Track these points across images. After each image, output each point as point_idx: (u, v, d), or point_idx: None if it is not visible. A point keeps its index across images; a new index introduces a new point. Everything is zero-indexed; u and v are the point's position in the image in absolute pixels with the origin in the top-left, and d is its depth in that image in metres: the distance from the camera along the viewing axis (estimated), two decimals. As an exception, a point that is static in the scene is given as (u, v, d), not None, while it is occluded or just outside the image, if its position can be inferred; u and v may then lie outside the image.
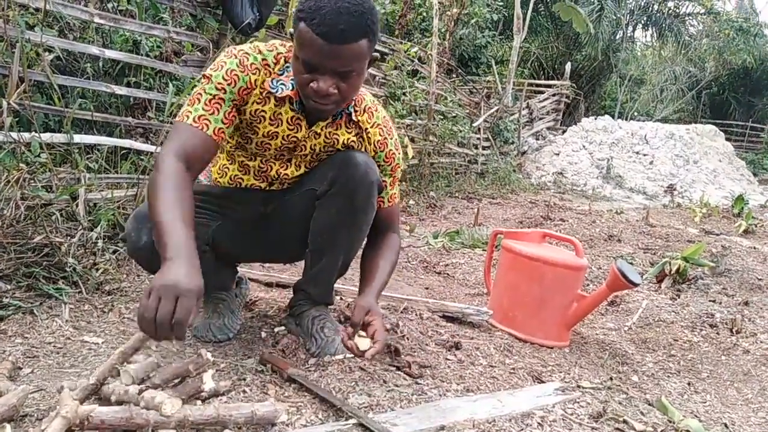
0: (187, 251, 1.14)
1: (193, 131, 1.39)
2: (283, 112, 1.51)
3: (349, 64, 1.33)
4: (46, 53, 2.45)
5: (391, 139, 1.65)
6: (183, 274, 1.09)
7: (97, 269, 2.11)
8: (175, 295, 1.06)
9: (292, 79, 1.46)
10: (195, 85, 3.10)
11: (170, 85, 3.08)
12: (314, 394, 1.39)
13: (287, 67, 1.48)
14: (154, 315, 1.04)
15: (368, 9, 1.31)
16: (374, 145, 1.62)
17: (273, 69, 1.48)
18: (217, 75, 1.43)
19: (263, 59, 1.47)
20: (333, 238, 1.61)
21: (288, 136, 1.54)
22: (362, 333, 1.48)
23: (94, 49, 2.72)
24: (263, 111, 1.50)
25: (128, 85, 3.14)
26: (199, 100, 1.41)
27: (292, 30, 1.38)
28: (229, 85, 1.43)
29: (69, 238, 2.11)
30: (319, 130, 1.56)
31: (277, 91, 1.47)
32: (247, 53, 1.46)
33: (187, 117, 1.40)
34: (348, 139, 1.59)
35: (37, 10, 2.45)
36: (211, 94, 1.42)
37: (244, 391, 1.38)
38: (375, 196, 1.57)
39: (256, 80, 1.46)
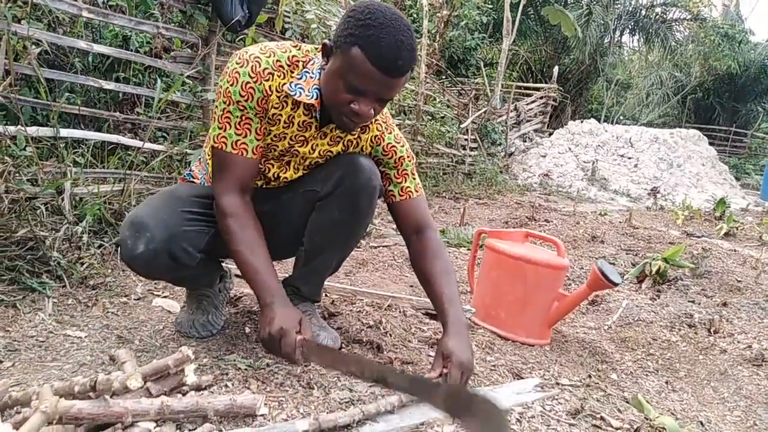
0: (278, 293, 1.43)
1: (236, 160, 1.46)
2: (296, 116, 1.51)
3: (396, 92, 1.40)
4: (33, 47, 2.43)
5: (390, 134, 1.65)
6: (278, 322, 1.36)
7: (82, 263, 2.11)
8: (280, 339, 1.35)
9: (315, 87, 1.46)
10: (184, 82, 3.15)
11: (159, 81, 3.08)
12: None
13: (306, 71, 1.47)
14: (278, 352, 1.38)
15: (415, 40, 1.37)
16: (371, 140, 1.62)
17: (289, 72, 1.46)
18: (234, 92, 1.42)
19: (276, 61, 1.45)
20: (331, 239, 1.63)
21: (296, 135, 1.55)
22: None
23: (81, 44, 2.71)
24: (279, 115, 1.49)
25: (117, 80, 3.13)
26: (229, 124, 1.45)
27: (329, 43, 1.37)
28: (247, 101, 1.43)
29: (54, 232, 2.10)
30: (327, 131, 1.57)
31: (296, 95, 1.46)
32: (258, 58, 1.43)
33: (225, 144, 1.45)
34: (348, 139, 1.61)
35: (24, 2, 2.44)
36: (237, 116, 1.44)
37: (226, 386, 1.39)
38: (376, 201, 1.62)
39: (270, 86, 1.45)
